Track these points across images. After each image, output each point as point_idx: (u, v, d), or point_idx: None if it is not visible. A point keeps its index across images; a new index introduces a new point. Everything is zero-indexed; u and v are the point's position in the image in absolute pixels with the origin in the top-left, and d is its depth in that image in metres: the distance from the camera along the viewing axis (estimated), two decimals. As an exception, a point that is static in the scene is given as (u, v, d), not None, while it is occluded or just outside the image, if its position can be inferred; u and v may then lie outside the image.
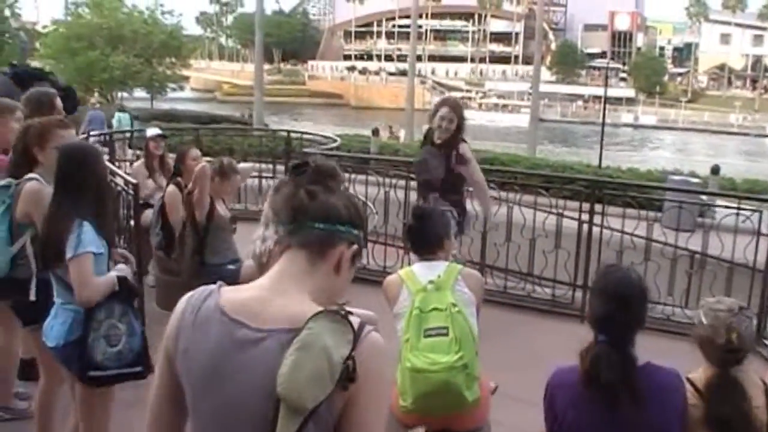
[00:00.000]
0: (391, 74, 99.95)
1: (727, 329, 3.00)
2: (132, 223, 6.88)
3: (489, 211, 7.38)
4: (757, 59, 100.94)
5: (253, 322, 1.72)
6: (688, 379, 3.04)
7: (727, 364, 3.02)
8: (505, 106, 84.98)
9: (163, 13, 45.55)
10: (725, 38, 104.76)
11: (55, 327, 3.80)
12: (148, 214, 7.31)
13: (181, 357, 1.81)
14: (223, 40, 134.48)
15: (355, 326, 1.67)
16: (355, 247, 1.88)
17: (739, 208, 8.02)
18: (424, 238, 4.37)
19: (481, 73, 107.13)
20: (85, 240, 3.64)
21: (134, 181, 6.86)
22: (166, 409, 1.89)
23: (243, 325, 1.72)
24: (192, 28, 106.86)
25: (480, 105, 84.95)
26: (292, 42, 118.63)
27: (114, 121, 22.37)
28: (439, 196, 6.66)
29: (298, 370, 1.58)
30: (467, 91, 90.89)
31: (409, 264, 5.00)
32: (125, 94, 43.94)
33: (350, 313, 1.71)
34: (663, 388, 2.89)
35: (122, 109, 24.53)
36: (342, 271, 1.86)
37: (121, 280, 3.80)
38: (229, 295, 1.81)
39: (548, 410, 3.03)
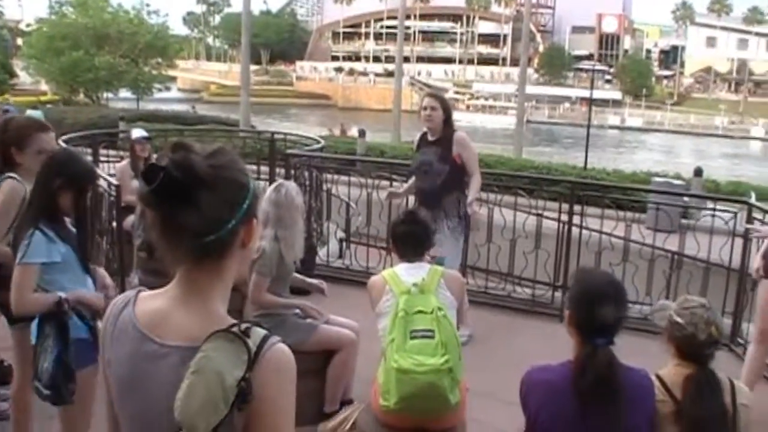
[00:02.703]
0: (379, 75, 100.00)
1: (707, 323, 3.07)
2: (114, 225, 6.90)
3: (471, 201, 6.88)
4: (742, 63, 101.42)
5: (159, 337, 1.72)
6: (657, 376, 3.09)
7: (708, 360, 3.10)
8: (492, 107, 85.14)
9: (149, 13, 45.33)
10: (711, 41, 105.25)
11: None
12: (131, 219, 7.32)
13: (107, 366, 1.84)
14: (210, 40, 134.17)
15: (254, 344, 1.63)
16: (254, 219, 1.80)
17: (714, 210, 8.11)
18: (413, 241, 4.43)
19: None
20: (32, 250, 3.61)
21: (116, 182, 6.86)
22: (112, 414, 1.90)
23: (150, 339, 1.72)
24: (179, 29, 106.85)
25: (468, 106, 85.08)
26: (280, 43, 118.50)
27: None
28: (443, 192, 6.68)
29: (191, 396, 1.57)
30: (455, 92, 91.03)
31: (392, 265, 5.05)
32: (111, 95, 43.73)
33: (250, 327, 1.67)
34: (634, 388, 2.93)
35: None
36: (249, 243, 1.81)
37: (59, 302, 3.69)
38: (143, 304, 1.80)
39: (523, 408, 3.06)
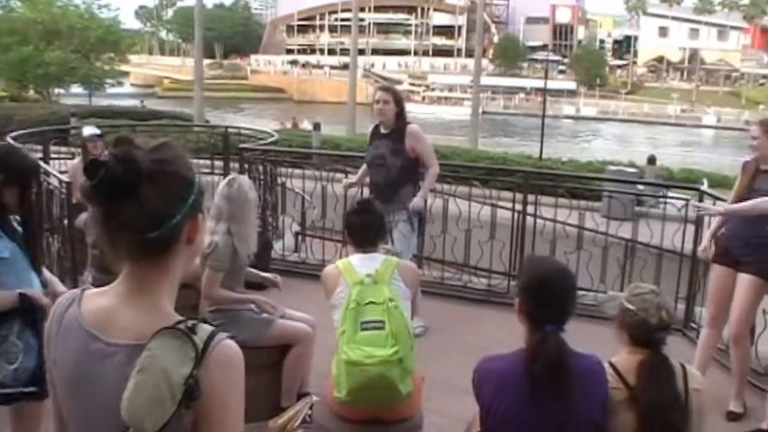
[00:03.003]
0: (334, 68, 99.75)
1: (658, 308, 3.12)
2: (66, 222, 6.80)
3: (423, 196, 6.97)
4: (694, 52, 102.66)
5: (105, 335, 1.69)
6: (611, 363, 3.12)
7: (660, 344, 3.15)
8: (448, 99, 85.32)
9: (99, 7, 44.75)
10: (663, 31, 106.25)
11: None
12: (84, 216, 7.21)
13: (52, 366, 1.81)
14: (163, 34, 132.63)
15: (201, 340, 1.63)
16: (199, 215, 1.77)
17: (666, 197, 8.21)
18: (367, 231, 4.42)
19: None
20: None
21: (67, 179, 6.76)
22: (59, 414, 1.87)
23: (96, 338, 1.69)
24: (131, 23, 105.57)
25: (423, 98, 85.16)
26: (234, 36, 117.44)
27: None
28: (397, 185, 6.69)
29: (137, 394, 1.56)
30: (411, 84, 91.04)
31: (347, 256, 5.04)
32: (62, 90, 43.08)
33: (196, 324, 1.67)
34: (586, 375, 2.96)
35: None
36: (195, 239, 1.78)
37: (24, 297, 3.63)
38: (89, 303, 1.77)
39: (477, 398, 3.08)
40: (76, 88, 44.24)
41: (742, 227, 5.52)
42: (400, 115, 6.76)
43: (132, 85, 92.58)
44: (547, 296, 2.97)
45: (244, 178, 5.35)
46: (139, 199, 1.63)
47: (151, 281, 1.73)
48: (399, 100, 6.83)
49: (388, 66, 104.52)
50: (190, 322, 1.66)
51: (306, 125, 34.18)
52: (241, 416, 1.70)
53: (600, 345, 3.23)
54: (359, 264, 4.22)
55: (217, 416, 1.64)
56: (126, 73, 64.09)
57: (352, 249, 4.48)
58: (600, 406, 2.97)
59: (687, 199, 7.88)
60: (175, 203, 1.69)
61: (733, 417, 5.62)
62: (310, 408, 4.86)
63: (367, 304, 3.99)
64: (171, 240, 1.71)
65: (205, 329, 1.66)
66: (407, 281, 4.25)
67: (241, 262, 5.02)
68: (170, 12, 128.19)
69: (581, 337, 3.07)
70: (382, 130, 6.83)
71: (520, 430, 2.96)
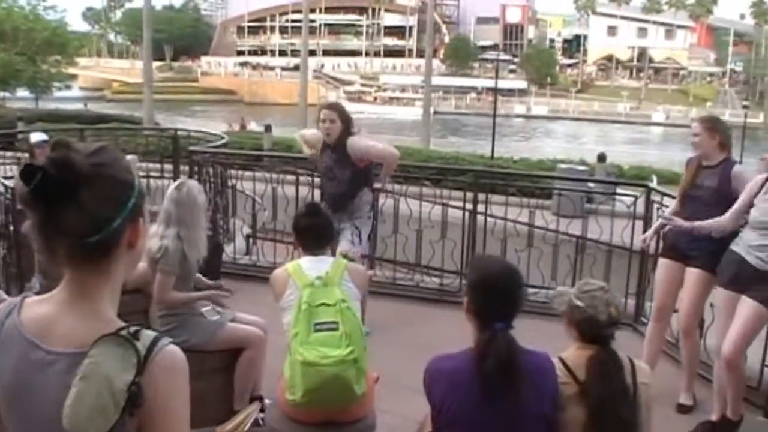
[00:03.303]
0: (285, 69, 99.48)
1: (607, 305, 3.15)
2: (11, 228, 6.69)
3: (382, 179, 7.09)
4: (642, 51, 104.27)
5: (45, 343, 1.65)
6: (560, 359, 3.14)
7: (609, 340, 3.17)
8: (399, 99, 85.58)
9: (45, 8, 44.11)
10: (612, 30, 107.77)
11: None
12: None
13: None
14: (111, 36, 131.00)
15: (144, 347, 1.60)
16: (140, 219, 1.74)
17: (615, 194, 8.30)
18: (316, 234, 4.42)
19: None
20: None
21: (12, 184, 6.65)
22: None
23: (36, 346, 1.66)
24: (78, 25, 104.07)
25: (375, 98, 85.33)
26: (184, 38, 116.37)
27: None
28: (349, 194, 6.68)
29: (79, 402, 1.52)
30: (362, 85, 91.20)
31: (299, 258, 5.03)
32: (7, 94, 42.36)
33: (139, 330, 1.64)
34: (536, 371, 2.97)
35: None
36: (136, 244, 1.75)
37: None
38: (29, 311, 1.73)
39: (428, 397, 3.07)
40: (22, 92, 43.55)
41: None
42: (347, 130, 6.73)
43: (80, 88, 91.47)
44: (494, 295, 2.98)
45: (193, 183, 5.32)
46: (78, 203, 1.60)
47: (92, 287, 1.70)
48: (345, 118, 6.76)
49: (340, 67, 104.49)
50: (132, 328, 1.63)
51: (254, 126, 33.97)
52: (187, 422, 1.68)
53: (550, 341, 3.26)
54: (309, 266, 4.21)
55: (161, 422, 1.62)
56: (74, 76, 63.30)
57: (301, 252, 4.47)
58: (550, 401, 2.98)
59: (635, 196, 7.99)
60: (115, 207, 1.66)
61: (683, 409, 5.69)
62: (262, 411, 4.84)
63: (320, 305, 3.99)
64: (111, 244, 1.67)
65: (147, 335, 1.64)
66: (356, 283, 4.27)
67: (191, 267, 4.98)
68: (119, 14, 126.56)
69: (532, 334, 3.09)
70: (328, 143, 6.79)
71: (471, 429, 2.96)
